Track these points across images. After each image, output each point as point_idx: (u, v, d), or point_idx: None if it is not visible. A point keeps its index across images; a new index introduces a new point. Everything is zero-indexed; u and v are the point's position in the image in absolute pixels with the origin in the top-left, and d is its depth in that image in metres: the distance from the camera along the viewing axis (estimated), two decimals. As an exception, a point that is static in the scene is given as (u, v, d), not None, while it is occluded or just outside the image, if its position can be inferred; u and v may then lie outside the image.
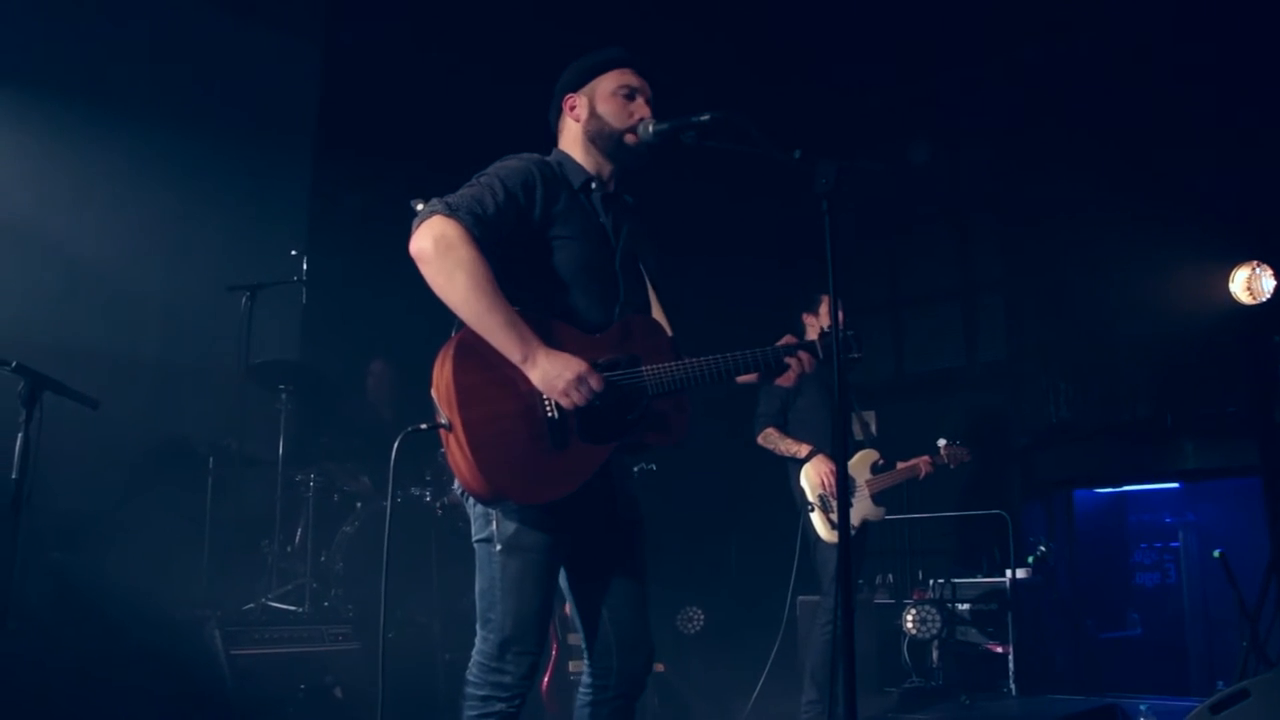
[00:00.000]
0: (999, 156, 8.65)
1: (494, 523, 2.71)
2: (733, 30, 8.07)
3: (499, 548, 2.69)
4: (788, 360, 2.92)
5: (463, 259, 2.57)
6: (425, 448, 5.84)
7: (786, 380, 2.96)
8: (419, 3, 7.28)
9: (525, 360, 2.59)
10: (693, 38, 7.77)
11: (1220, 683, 6.47)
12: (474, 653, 2.75)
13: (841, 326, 2.74)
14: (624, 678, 2.82)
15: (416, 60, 7.38)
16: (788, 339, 2.95)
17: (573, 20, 6.45)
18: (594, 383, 2.61)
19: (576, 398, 2.60)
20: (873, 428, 6.03)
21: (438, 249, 2.57)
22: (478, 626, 2.75)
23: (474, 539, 2.78)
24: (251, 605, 5.45)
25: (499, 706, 2.68)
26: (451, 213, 2.61)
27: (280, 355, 6.25)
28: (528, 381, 2.61)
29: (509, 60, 6.87)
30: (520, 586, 2.68)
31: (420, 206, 2.66)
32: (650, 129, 2.87)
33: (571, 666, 5.75)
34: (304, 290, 6.00)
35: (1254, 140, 7.07)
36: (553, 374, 2.58)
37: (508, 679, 2.68)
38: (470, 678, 2.74)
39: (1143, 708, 5.58)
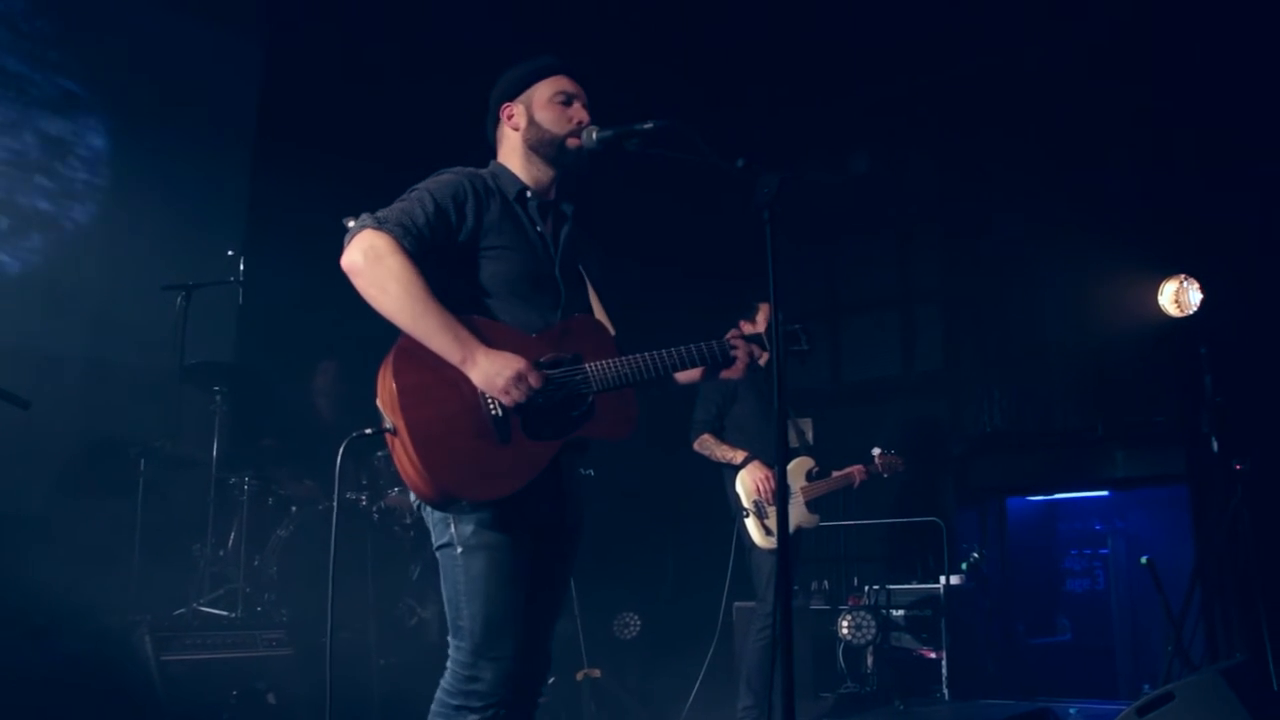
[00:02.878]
0: (938, 168, 8.77)
1: (452, 526, 2.70)
2: (675, 40, 8.11)
3: (460, 550, 2.68)
4: (734, 353, 2.94)
5: (393, 268, 2.59)
6: (362, 451, 5.80)
7: (735, 372, 2.98)
8: (362, 4, 7.23)
9: (464, 361, 2.61)
10: (634, 47, 7.80)
11: (1146, 685, 6.60)
12: (448, 663, 2.72)
13: (786, 329, 2.76)
14: (519, 680, 2.74)
15: (358, 61, 7.32)
16: (736, 331, 2.98)
17: (514, 23, 6.46)
18: (533, 380, 2.63)
19: (517, 395, 2.61)
20: (809, 435, 6.09)
21: (368, 260, 2.60)
22: (450, 638, 2.73)
23: (435, 548, 2.76)
24: (183, 610, 5.36)
25: (472, 718, 2.65)
26: (380, 225, 2.63)
27: (215, 356, 6.16)
28: (469, 381, 2.62)
29: (451, 62, 6.84)
30: (485, 587, 2.66)
31: (351, 223, 2.67)
32: (594, 136, 2.88)
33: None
34: (240, 291, 5.93)
35: (1182, 157, 7.25)
36: (492, 372, 2.60)
37: (481, 686, 2.65)
38: (444, 687, 2.71)
39: (1072, 711, 5.69)
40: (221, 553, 5.82)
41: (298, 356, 6.62)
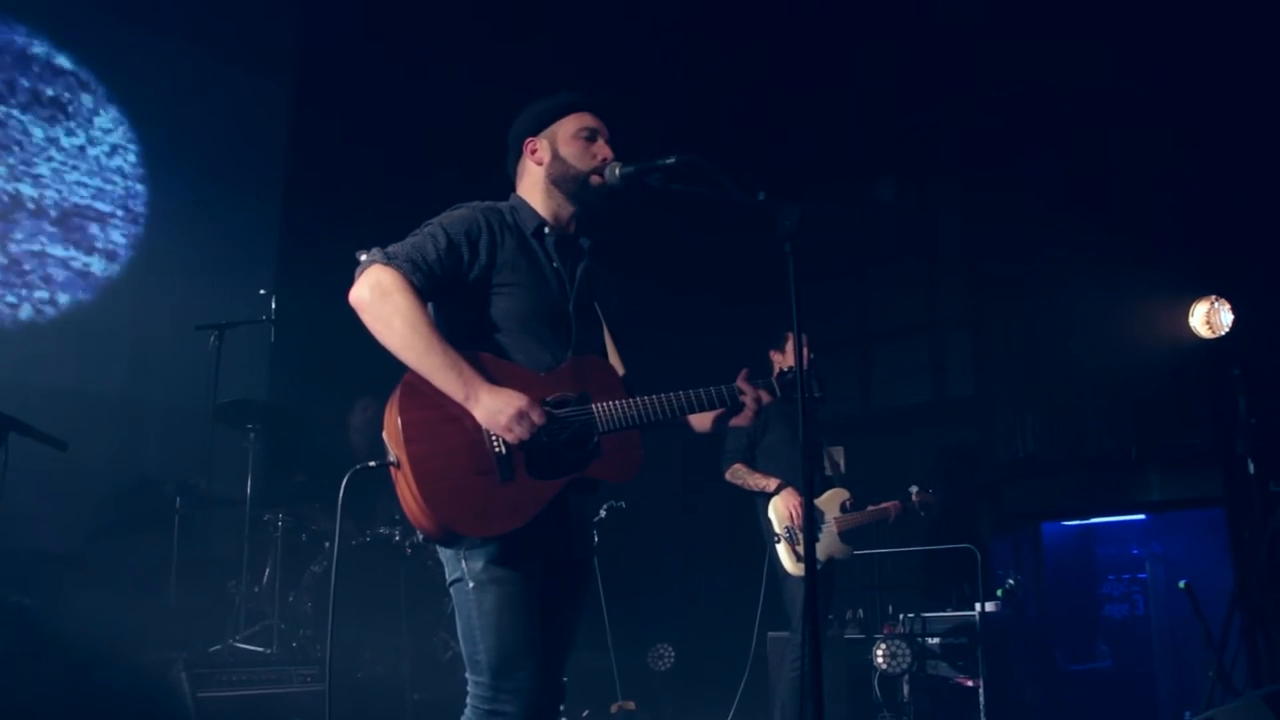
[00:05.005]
0: (964, 194, 8.75)
1: (463, 562, 2.70)
2: (701, 71, 8.16)
3: (471, 585, 2.68)
4: (742, 399, 2.92)
5: (399, 305, 2.61)
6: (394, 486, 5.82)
7: (744, 420, 2.97)
8: (389, 46, 7.33)
9: (467, 398, 2.61)
10: (661, 78, 7.86)
11: (1188, 713, 6.50)
12: (468, 699, 2.71)
13: (806, 365, 2.76)
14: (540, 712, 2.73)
15: (386, 102, 7.41)
16: (744, 374, 2.95)
17: (540, 70, 6.51)
18: (536, 417, 2.63)
19: (520, 432, 2.61)
20: (841, 464, 6.07)
21: (374, 296, 2.62)
22: (468, 674, 2.72)
23: (448, 582, 2.77)
24: (219, 647, 5.40)
25: None
26: (389, 261, 2.65)
27: (248, 394, 6.22)
28: (473, 418, 2.63)
29: (477, 100, 6.92)
30: (499, 621, 2.65)
31: (364, 257, 2.69)
32: (617, 172, 2.89)
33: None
34: (273, 329, 6.00)
35: (1211, 177, 7.21)
36: (495, 409, 2.60)
37: None
38: None
39: (1111, 739, 5.61)
40: (257, 589, 5.86)
41: (329, 393, 6.67)
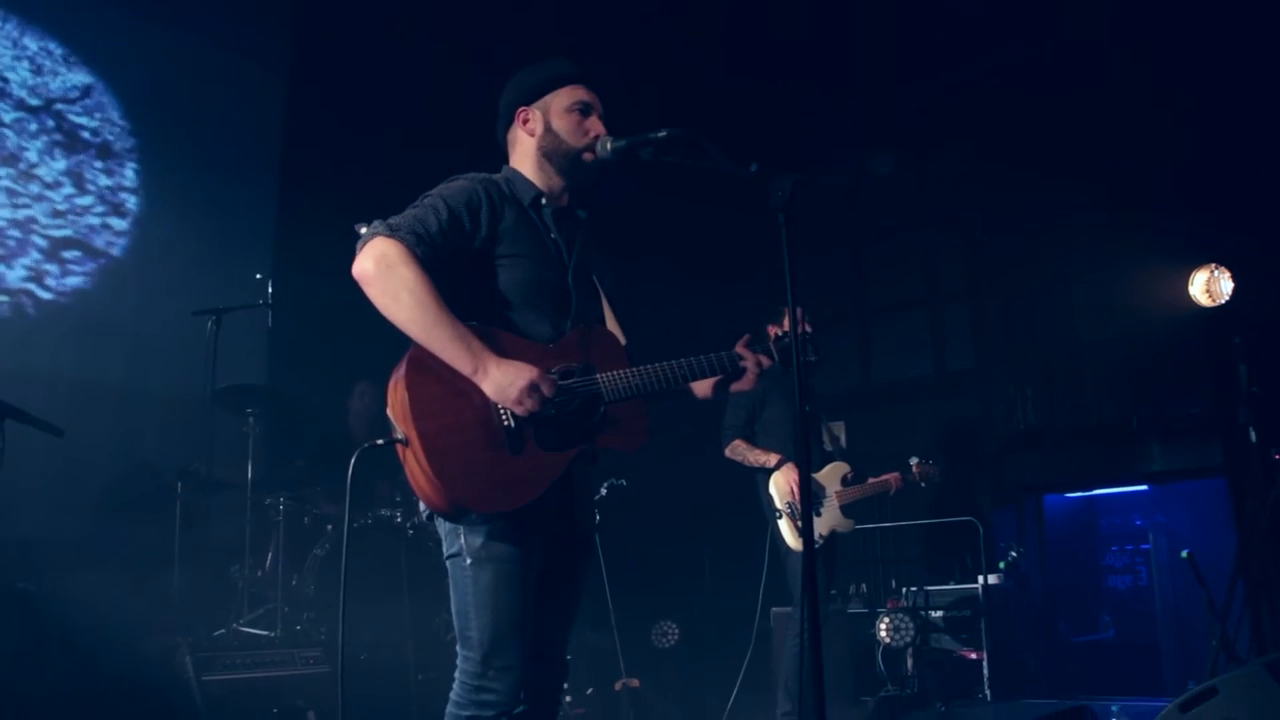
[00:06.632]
0: (961, 166, 8.72)
1: (462, 537, 2.69)
2: (699, 42, 8.12)
3: (469, 561, 2.67)
4: (743, 364, 2.92)
5: (405, 277, 2.57)
6: (394, 468, 5.81)
7: (746, 384, 2.96)
8: (383, 27, 7.29)
9: (476, 371, 2.59)
10: (657, 48, 7.81)
11: (1191, 682, 6.51)
12: (456, 674, 2.71)
13: (800, 333, 2.75)
14: (531, 690, 2.72)
15: (381, 85, 7.38)
16: (744, 340, 2.95)
17: (534, 46, 6.46)
18: (545, 389, 2.61)
19: (530, 404, 2.60)
20: (842, 439, 6.06)
21: (379, 269, 2.58)
22: (458, 648, 2.71)
23: (445, 557, 2.76)
24: (223, 631, 5.42)
25: None
26: (392, 233, 2.62)
27: (247, 379, 6.21)
28: (481, 392, 2.61)
29: (474, 80, 6.88)
30: (494, 599, 2.65)
31: (364, 230, 2.66)
32: (608, 146, 2.87)
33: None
34: (270, 313, 5.98)
35: (1209, 144, 7.17)
36: (504, 383, 2.59)
37: (492, 697, 2.63)
38: (454, 699, 2.69)
39: (1114, 708, 5.62)
40: (259, 573, 5.87)
41: (328, 377, 6.66)
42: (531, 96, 2.97)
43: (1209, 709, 3.77)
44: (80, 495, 6.07)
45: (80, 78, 6.61)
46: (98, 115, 6.67)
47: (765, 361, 2.94)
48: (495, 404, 2.62)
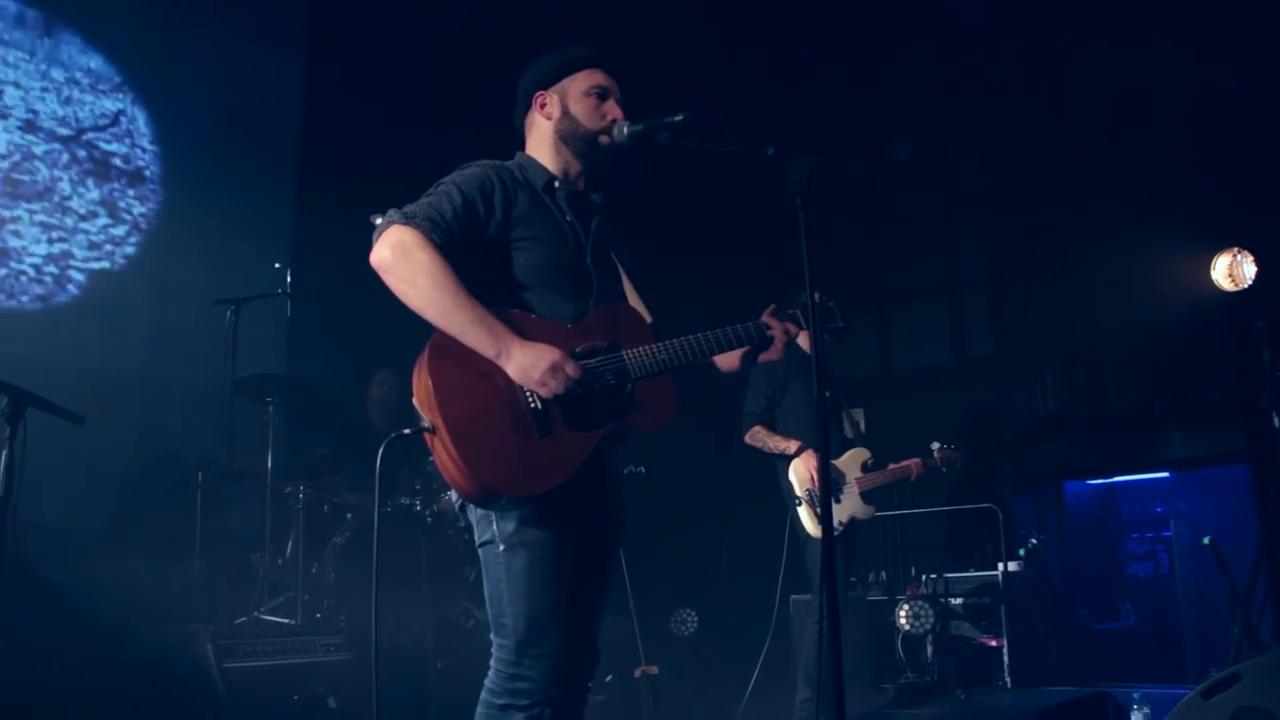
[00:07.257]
0: (981, 151, 8.67)
1: (494, 523, 2.68)
2: (714, 28, 8.09)
3: (502, 548, 2.66)
4: (770, 334, 2.90)
5: (422, 262, 2.57)
6: (414, 456, 5.84)
7: (774, 353, 2.94)
8: (400, 14, 7.28)
9: (499, 354, 2.58)
10: (673, 35, 7.79)
11: (1213, 669, 6.48)
12: (491, 662, 2.70)
13: (820, 306, 2.74)
14: (566, 678, 2.71)
15: (399, 73, 7.37)
16: (770, 309, 2.94)
17: (553, 30, 6.44)
18: (570, 370, 2.60)
19: (554, 386, 2.58)
20: (862, 425, 6.03)
21: (396, 256, 2.58)
22: (492, 635, 2.70)
23: (478, 544, 2.75)
24: (244, 619, 5.44)
25: (518, 717, 2.63)
26: (408, 220, 2.62)
27: (266, 368, 6.23)
28: (505, 375, 2.60)
29: (491, 72, 6.87)
30: (528, 585, 2.64)
31: (379, 220, 2.66)
32: (625, 131, 2.86)
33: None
34: (289, 303, 5.99)
35: (1231, 128, 7.10)
36: (528, 364, 2.58)
37: (526, 685, 2.63)
38: (489, 686, 2.69)
39: (1135, 696, 5.59)
40: (280, 561, 5.90)
41: (347, 365, 6.68)
42: (549, 80, 2.96)
43: (1231, 696, 3.75)
44: (102, 484, 6.12)
45: (109, 104, 6.66)
46: (128, 141, 6.71)
47: (793, 329, 2.92)
48: (520, 386, 2.60)
